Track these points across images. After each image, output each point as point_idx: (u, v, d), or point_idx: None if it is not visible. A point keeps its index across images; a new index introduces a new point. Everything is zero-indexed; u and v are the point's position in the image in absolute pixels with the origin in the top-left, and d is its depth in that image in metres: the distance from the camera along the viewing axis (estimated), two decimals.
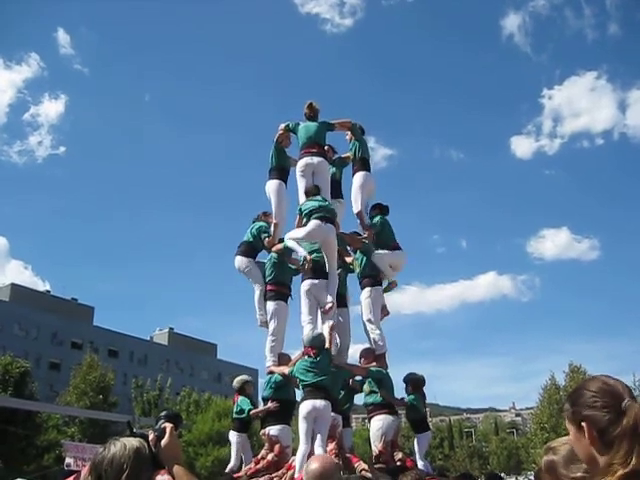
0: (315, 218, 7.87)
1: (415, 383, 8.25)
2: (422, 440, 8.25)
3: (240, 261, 8.56)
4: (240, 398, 8.30)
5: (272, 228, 8.64)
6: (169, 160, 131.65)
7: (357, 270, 8.57)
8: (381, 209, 8.87)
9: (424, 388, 8.39)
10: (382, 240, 8.69)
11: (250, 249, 8.64)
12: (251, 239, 8.65)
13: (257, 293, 8.42)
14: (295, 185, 8.79)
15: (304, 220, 8.05)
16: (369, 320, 8.24)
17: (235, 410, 8.39)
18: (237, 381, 8.51)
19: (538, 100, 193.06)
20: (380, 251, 8.56)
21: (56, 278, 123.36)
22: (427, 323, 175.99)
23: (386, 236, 8.72)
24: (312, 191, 8.27)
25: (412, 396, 8.12)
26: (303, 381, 7.07)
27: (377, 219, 8.70)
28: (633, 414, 1.58)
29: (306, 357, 7.19)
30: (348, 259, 8.88)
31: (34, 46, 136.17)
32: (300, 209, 8.19)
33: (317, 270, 7.92)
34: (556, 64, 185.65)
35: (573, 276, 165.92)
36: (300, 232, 8.01)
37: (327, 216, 7.94)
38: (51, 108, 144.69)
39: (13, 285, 58.71)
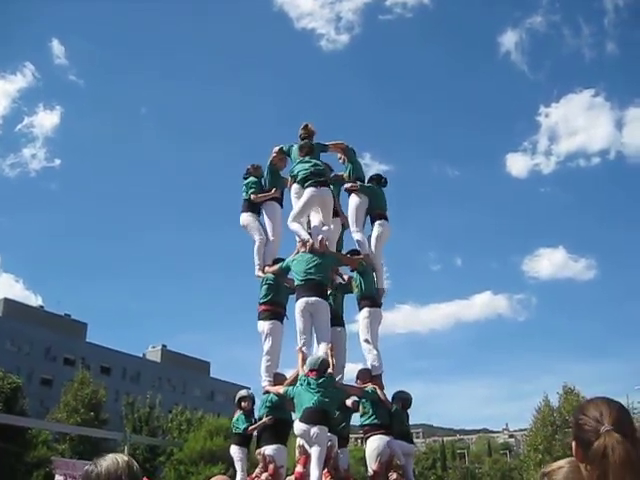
0: (309, 185, 8.20)
1: (403, 402, 8.23)
2: None
3: (243, 218, 9.06)
4: (238, 413, 8.33)
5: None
6: (166, 173, 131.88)
7: (355, 291, 8.56)
8: (378, 180, 9.24)
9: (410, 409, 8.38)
10: (370, 207, 8.93)
11: (250, 205, 9.06)
12: (247, 196, 9.09)
13: (257, 243, 8.82)
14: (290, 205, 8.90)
15: (296, 185, 8.46)
16: (366, 341, 8.21)
17: (233, 425, 8.43)
18: (237, 396, 8.54)
19: (535, 118, 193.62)
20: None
21: (48, 292, 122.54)
22: (421, 342, 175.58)
23: (375, 204, 8.97)
24: (305, 149, 8.53)
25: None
26: (301, 404, 6.98)
27: (370, 185, 9.05)
28: (602, 442, 1.63)
29: (306, 379, 7.09)
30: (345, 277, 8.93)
31: (29, 56, 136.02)
32: (292, 171, 8.57)
33: (312, 288, 7.84)
34: (553, 82, 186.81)
35: (569, 295, 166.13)
36: (298, 206, 8.32)
37: (320, 180, 8.26)
38: (46, 119, 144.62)
39: (6, 300, 58.37)
